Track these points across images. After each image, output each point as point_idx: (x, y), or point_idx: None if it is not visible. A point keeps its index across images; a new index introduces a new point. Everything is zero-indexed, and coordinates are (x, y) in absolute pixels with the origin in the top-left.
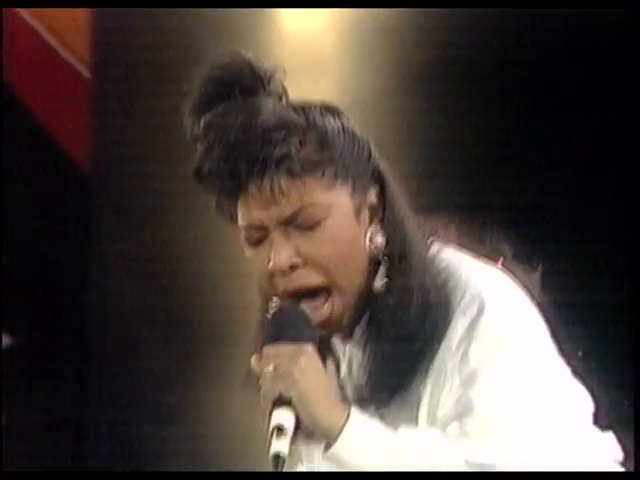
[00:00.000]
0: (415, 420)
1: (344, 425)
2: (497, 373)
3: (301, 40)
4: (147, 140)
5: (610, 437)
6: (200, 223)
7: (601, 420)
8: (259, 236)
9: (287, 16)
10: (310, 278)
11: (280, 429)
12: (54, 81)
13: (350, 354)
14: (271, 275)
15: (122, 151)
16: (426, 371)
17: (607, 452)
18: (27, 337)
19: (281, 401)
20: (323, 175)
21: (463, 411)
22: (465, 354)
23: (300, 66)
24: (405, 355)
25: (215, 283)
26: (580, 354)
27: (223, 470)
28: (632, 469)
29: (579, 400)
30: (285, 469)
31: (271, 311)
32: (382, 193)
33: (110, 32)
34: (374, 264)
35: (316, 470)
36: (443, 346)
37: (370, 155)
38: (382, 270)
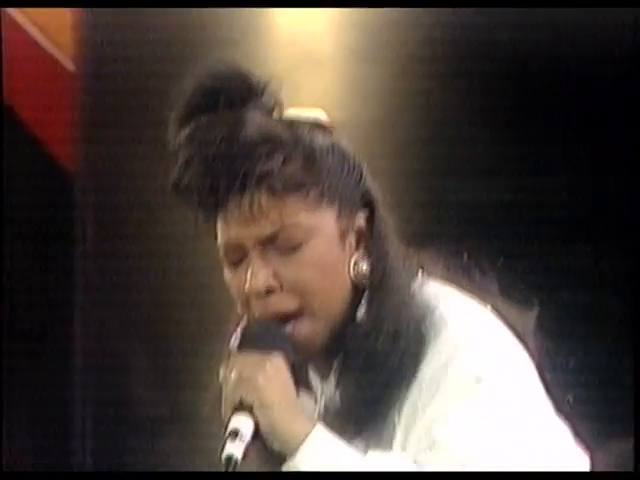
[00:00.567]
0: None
1: (304, 439)
2: (467, 415)
3: (300, 40)
4: (134, 140)
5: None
6: (188, 220)
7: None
8: (237, 256)
9: (284, 16)
10: (286, 304)
11: (235, 433)
12: (39, 76)
13: (324, 386)
14: (247, 298)
15: (107, 149)
16: (399, 404)
17: None
18: (14, 336)
19: (242, 406)
20: (307, 195)
21: (430, 447)
22: (437, 391)
23: (297, 67)
24: (374, 385)
25: (203, 280)
26: (570, 399)
27: (213, 470)
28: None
29: (558, 445)
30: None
31: (242, 324)
32: (371, 218)
33: (97, 28)
34: (358, 292)
35: None
36: (417, 380)
37: (361, 177)
38: (365, 299)
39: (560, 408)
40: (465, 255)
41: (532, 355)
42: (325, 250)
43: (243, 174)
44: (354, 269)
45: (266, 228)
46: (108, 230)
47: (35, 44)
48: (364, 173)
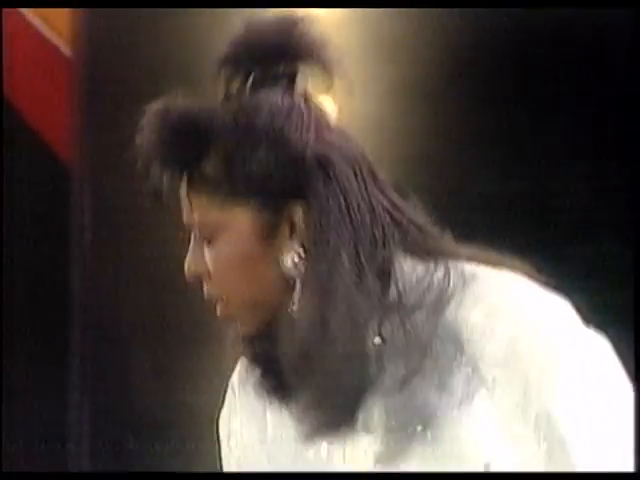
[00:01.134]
0: None
1: None
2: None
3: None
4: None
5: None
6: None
7: None
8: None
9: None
10: (210, 290)
11: None
12: (33, 62)
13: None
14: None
15: (105, 140)
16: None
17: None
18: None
19: None
20: (217, 193)
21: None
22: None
23: None
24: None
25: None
26: None
27: (213, 471)
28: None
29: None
30: None
31: None
32: (309, 213)
33: (96, 15)
34: (289, 283)
35: None
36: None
37: (305, 172)
38: (296, 291)
39: None
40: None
41: None
42: (237, 244)
43: (173, 161)
44: (282, 261)
45: (189, 218)
46: (106, 220)
47: (34, 31)
48: (311, 167)
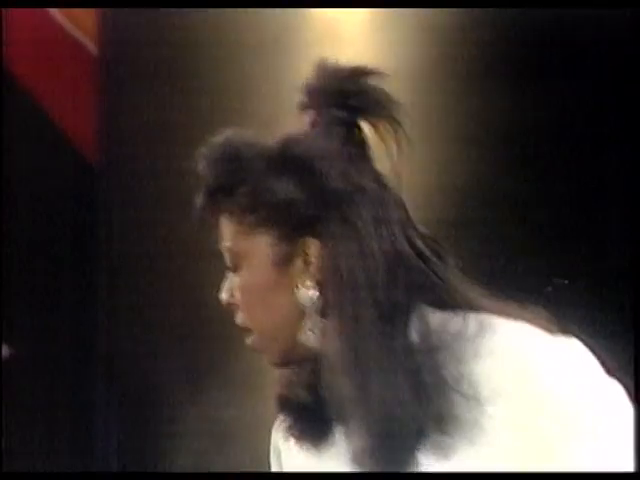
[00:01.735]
0: None
1: None
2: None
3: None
4: (157, 127)
5: None
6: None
7: None
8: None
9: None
10: (241, 319)
11: None
12: (59, 60)
13: None
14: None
15: (130, 138)
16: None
17: None
18: (31, 337)
19: None
20: (243, 222)
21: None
22: None
23: None
24: None
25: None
26: None
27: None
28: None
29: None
30: None
31: None
32: (322, 249)
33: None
34: (303, 316)
35: None
36: None
37: (324, 208)
38: (308, 323)
39: None
40: None
41: None
42: (257, 273)
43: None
44: (297, 292)
45: (222, 246)
46: (132, 218)
47: (60, 27)
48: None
